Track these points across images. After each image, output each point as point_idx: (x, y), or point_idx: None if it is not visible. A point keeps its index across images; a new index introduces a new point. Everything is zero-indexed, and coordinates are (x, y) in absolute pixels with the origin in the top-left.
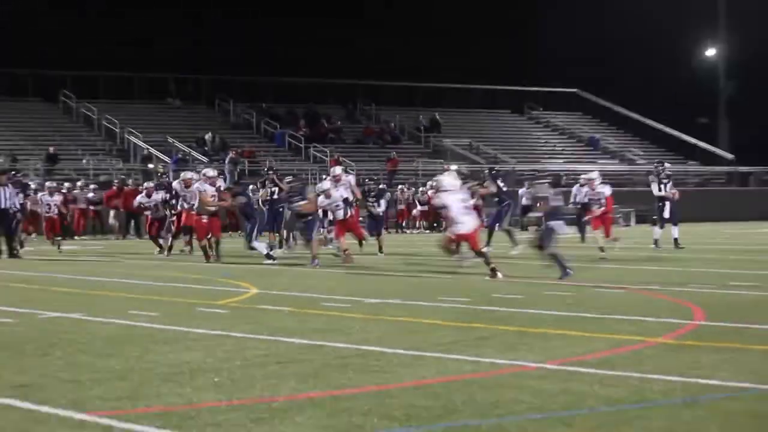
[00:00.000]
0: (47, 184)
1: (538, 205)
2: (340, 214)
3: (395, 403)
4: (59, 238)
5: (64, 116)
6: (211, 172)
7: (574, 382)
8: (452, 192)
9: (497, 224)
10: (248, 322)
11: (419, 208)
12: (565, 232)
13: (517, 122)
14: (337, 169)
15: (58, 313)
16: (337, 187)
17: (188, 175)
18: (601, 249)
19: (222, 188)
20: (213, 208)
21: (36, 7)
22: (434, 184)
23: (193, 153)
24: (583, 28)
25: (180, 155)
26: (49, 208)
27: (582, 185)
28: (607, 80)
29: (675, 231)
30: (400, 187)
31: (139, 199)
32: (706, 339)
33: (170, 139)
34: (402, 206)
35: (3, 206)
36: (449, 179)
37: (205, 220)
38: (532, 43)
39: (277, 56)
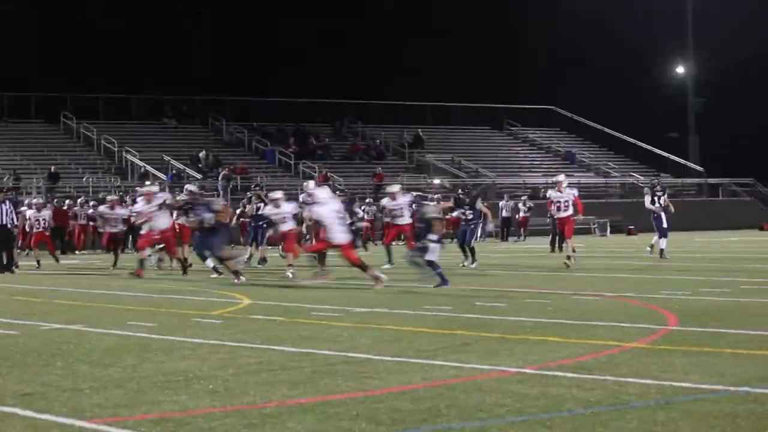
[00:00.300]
0: (33, 200)
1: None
2: (286, 226)
3: (382, 408)
4: (58, 251)
5: (65, 136)
6: (151, 188)
7: (552, 386)
8: (325, 203)
9: (471, 239)
10: (241, 331)
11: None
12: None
13: (496, 138)
14: (311, 184)
15: (59, 324)
16: (289, 201)
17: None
18: (569, 257)
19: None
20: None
21: (44, 35)
22: (305, 196)
23: (188, 170)
24: (557, 46)
25: (174, 172)
26: (39, 224)
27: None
28: (581, 97)
29: (663, 242)
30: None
31: (102, 209)
32: (679, 343)
33: (166, 157)
34: (388, 219)
35: (1, 222)
36: (321, 192)
37: (156, 236)
38: (507, 61)
39: (268, 73)
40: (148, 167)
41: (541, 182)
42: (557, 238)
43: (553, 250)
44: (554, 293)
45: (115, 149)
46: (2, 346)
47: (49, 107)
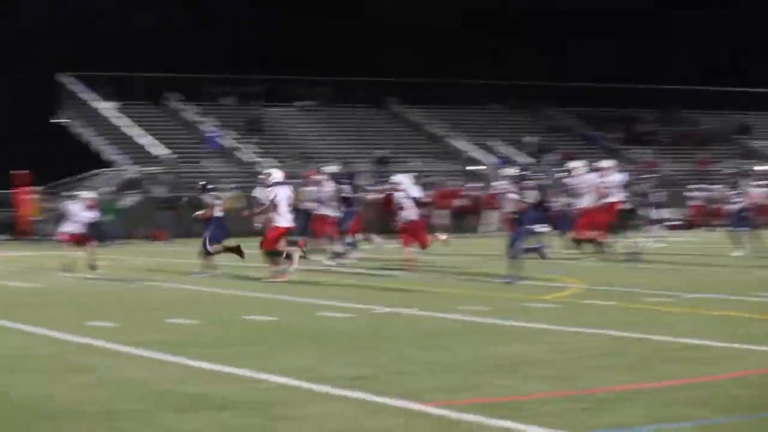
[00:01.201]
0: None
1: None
2: (408, 214)
3: (716, 394)
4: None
5: (393, 121)
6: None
7: None
8: (283, 186)
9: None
10: (573, 315)
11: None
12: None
13: None
14: (575, 163)
15: (392, 308)
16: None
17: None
18: None
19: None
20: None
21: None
22: (264, 176)
23: (513, 156)
24: None
25: (503, 157)
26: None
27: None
28: None
29: None
30: (713, 187)
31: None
32: None
33: (491, 143)
34: (716, 206)
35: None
36: (280, 173)
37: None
38: None
39: (601, 62)
40: (474, 152)
41: None
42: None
43: None
44: None
45: (443, 134)
46: (336, 330)
47: (375, 92)
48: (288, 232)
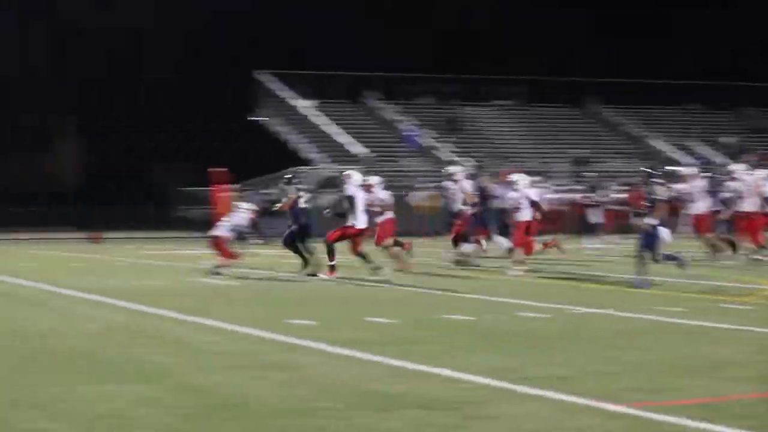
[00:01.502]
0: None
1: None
2: (521, 215)
3: None
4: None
5: (589, 121)
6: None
7: None
8: (360, 189)
9: None
10: None
11: None
12: (668, 241)
13: None
14: (736, 165)
15: (588, 308)
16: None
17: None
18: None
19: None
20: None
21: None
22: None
23: (711, 156)
24: None
25: (702, 157)
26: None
27: None
28: None
29: None
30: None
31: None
32: None
33: (689, 143)
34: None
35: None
36: (358, 175)
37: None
38: None
39: None
40: (672, 153)
41: None
42: None
43: None
44: None
45: (644, 134)
46: (534, 330)
47: (570, 92)
48: (361, 233)
